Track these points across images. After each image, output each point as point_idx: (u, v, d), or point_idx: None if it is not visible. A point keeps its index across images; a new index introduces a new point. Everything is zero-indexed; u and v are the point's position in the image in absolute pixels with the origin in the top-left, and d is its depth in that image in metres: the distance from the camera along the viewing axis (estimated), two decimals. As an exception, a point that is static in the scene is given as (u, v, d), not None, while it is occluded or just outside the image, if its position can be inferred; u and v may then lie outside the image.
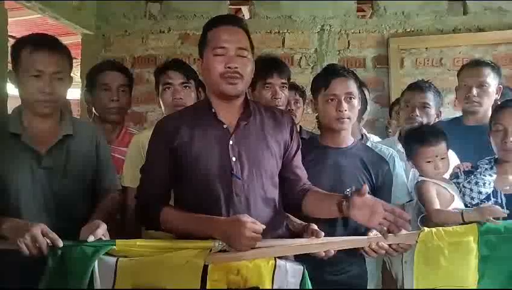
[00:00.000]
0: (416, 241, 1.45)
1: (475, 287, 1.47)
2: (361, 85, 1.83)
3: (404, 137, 1.90)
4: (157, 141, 1.47)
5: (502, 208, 1.65)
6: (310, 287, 1.34)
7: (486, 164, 1.76)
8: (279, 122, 1.52)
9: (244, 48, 1.43)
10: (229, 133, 1.43)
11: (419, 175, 1.80)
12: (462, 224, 1.50)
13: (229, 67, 1.39)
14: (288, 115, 1.61)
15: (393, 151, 1.88)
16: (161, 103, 1.96)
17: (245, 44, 1.44)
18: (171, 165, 1.43)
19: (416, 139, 1.77)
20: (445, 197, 1.69)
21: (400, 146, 2.16)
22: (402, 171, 1.88)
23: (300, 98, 2.54)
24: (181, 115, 1.54)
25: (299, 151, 1.55)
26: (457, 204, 1.68)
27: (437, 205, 1.64)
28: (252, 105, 1.51)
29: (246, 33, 1.46)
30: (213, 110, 1.45)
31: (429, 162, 1.74)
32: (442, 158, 1.74)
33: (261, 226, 1.29)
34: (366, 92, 2.49)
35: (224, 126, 1.44)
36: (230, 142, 1.42)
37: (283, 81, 2.09)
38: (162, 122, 1.53)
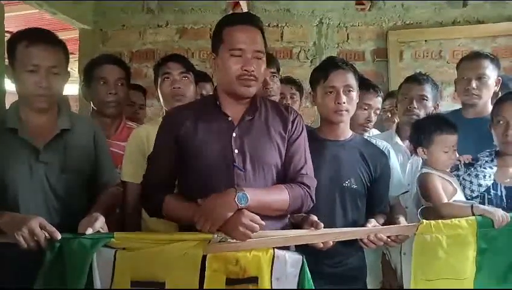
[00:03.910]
0: (415, 234, 1.46)
1: (473, 279, 1.48)
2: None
3: (417, 124, 1.85)
4: (163, 131, 1.50)
5: (502, 200, 1.67)
6: (309, 277, 1.34)
7: (487, 156, 1.77)
8: (285, 117, 1.51)
9: (260, 51, 1.43)
10: (233, 126, 1.44)
11: (423, 166, 1.79)
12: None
13: (246, 70, 1.39)
14: (293, 109, 1.59)
15: (388, 145, 1.88)
16: (160, 94, 1.95)
17: (261, 46, 1.44)
18: (176, 155, 1.45)
19: (437, 127, 1.74)
20: (448, 191, 1.69)
21: (397, 139, 2.16)
22: (397, 164, 1.87)
23: (297, 92, 2.53)
24: (189, 106, 1.56)
25: (301, 141, 1.51)
26: (459, 197, 1.68)
27: (445, 199, 1.64)
28: (258, 100, 1.51)
29: (261, 32, 1.46)
30: (218, 103, 1.46)
31: (446, 152, 1.72)
32: (455, 149, 1.74)
33: (260, 219, 1.30)
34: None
35: (229, 119, 1.45)
36: (234, 135, 1.42)
37: (272, 70, 2.10)
38: (170, 112, 1.57)
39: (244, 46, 1.40)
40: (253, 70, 1.40)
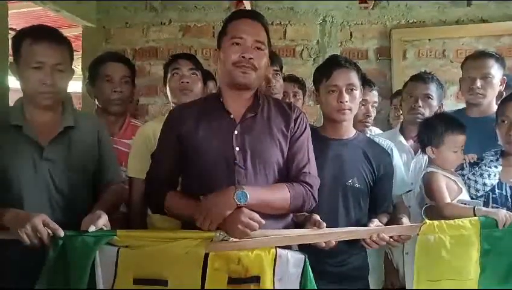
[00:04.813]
0: (418, 234, 1.46)
1: (476, 280, 1.47)
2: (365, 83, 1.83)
3: (427, 123, 1.83)
4: (167, 129, 1.51)
5: (507, 199, 1.66)
6: (312, 277, 1.34)
7: (492, 156, 1.76)
8: (287, 114, 1.51)
9: (262, 42, 1.45)
10: (235, 123, 1.44)
11: (429, 165, 1.78)
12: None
13: (243, 57, 1.41)
14: (297, 107, 1.58)
15: (391, 143, 1.87)
16: (168, 90, 1.97)
17: (263, 38, 1.46)
18: (179, 153, 1.46)
19: (448, 127, 1.73)
20: (453, 190, 1.69)
21: (401, 138, 2.16)
22: (400, 163, 1.87)
23: (300, 91, 2.53)
24: (192, 104, 1.57)
25: (304, 139, 1.50)
26: (464, 197, 1.68)
27: (448, 199, 1.63)
28: (261, 98, 1.51)
29: (265, 30, 1.48)
30: (221, 100, 1.47)
31: (455, 151, 1.72)
32: (462, 149, 1.74)
33: (259, 218, 1.30)
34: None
35: (231, 116, 1.45)
36: (235, 132, 1.42)
37: (275, 68, 2.11)
38: (174, 110, 1.58)
39: (244, 35, 1.42)
40: (251, 58, 1.41)
